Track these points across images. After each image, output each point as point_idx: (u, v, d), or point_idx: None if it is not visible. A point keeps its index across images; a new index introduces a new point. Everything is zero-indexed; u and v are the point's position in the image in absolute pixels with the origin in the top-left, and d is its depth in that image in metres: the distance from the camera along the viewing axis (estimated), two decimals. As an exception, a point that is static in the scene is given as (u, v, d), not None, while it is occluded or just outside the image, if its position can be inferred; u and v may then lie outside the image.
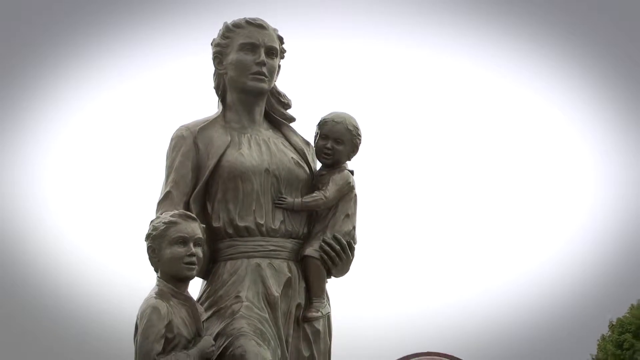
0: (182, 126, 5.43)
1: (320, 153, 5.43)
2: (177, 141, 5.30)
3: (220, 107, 5.49)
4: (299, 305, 5.25)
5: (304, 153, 5.52)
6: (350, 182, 5.34)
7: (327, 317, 5.41)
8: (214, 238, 5.25)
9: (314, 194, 5.30)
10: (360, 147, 5.40)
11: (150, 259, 5.02)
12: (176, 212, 5.04)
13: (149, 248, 5.00)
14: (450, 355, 42.05)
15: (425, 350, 42.37)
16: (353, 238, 5.34)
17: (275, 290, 5.16)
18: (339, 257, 5.26)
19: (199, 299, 5.23)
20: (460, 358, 42.08)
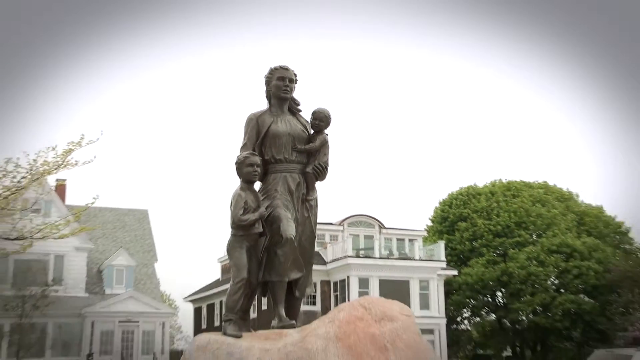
0: (251, 113, 8.51)
1: (312, 126, 8.72)
2: (249, 120, 8.54)
3: (268, 105, 8.77)
4: (303, 193, 8.45)
5: (306, 126, 8.73)
6: (326, 139, 8.62)
7: (315, 199, 8.62)
8: (265, 164, 8.37)
9: (310, 144, 8.54)
10: (331, 124, 8.81)
11: (237, 173, 8.14)
12: (248, 152, 8.23)
13: (237, 169, 8.09)
14: (375, 218, 48.56)
15: (360, 213, 48.14)
16: (327, 164, 8.58)
17: (292, 186, 8.38)
18: (321, 173, 8.52)
19: (259, 191, 8.36)
20: (379, 219, 47.61)
